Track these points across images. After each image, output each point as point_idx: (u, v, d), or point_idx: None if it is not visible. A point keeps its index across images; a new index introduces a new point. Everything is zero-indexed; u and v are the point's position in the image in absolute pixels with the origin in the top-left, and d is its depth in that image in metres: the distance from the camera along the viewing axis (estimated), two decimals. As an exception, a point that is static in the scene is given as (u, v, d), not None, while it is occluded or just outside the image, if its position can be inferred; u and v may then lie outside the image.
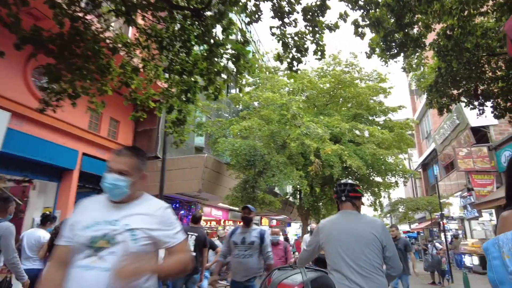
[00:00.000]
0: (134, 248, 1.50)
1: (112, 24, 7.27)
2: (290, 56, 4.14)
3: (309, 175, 11.87)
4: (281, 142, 10.66)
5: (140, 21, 4.92)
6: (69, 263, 1.53)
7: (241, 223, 4.30)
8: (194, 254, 5.62)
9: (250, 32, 19.09)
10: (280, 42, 4.07)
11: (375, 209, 15.65)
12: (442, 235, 16.50)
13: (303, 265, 3.11)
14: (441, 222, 15.98)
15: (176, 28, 4.63)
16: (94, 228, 1.53)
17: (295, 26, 4.01)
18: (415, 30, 5.24)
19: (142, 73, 5.29)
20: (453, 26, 4.85)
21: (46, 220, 5.86)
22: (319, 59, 4.20)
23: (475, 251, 16.04)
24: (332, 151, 10.49)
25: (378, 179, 15.65)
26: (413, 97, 28.81)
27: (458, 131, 16.70)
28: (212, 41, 3.94)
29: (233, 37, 4.43)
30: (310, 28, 4.05)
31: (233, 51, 3.89)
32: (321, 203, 17.22)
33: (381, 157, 12.47)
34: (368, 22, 4.35)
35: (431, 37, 5.49)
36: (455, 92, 6.42)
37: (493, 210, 14.89)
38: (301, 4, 3.97)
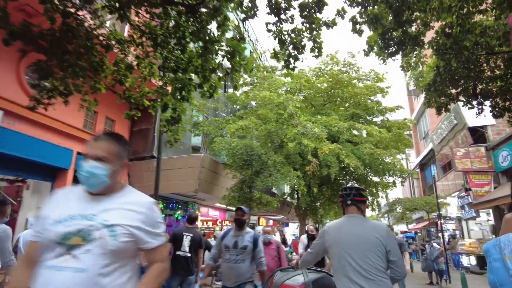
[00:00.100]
0: (112, 246, 1.35)
1: (108, 21, 7.18)
2: (287, 53, 4.06)
3: (306, 175, 11.79)
4: (278, 141, 10.59)
5: (134, 17, 4.83)
6: (38, 262, 1.37)
7: (234, 225, 4.10)
8: (189, 255, 5.53)
9: (248, 31, 19.01)
10: (277, 39, 3.99)
11: (373, 209, 15.61)
12: (440, 235, 16.51)
13: (305, 267, 3.12)
14: (438, 222, 15.98)
15: (170, 25, 4.54)
16: (67, 223, 1.36)
17: (291, 23, 3.94)
18: (413, 28, 5.17)
19: (136, 71, 5.20)
20: (452, 24, 4.79)
21: None
22: (316, 57, 4.12)
23: (473, 251, 16.03)
24: (330, 151, 10.42)
25: (376, 179, 15.61)
26: (410, 97, 28.83)
27: (456, 131, 16.69)
28: (207, 37, 3.85)
29: (229, 34, 4.36)
30: (307, 25, 3.97)
31: (229, 48, 3.80)
32: (318, 203, 17.16)
33: (379, 157, 12.42)
34: (366, 19, 4.28)
35: (429, 35, 5.43)
36: (453, 91, 6.37)
37: (491, 210, 14.88)
38: (297, 0, 3.89)
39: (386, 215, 23.97)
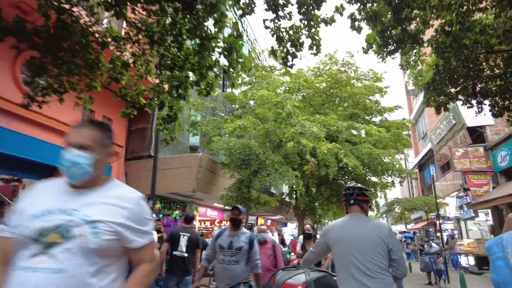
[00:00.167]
0: (94, 244, 1.23)
1: (105, 20, 7.12)
2: (285, 51, 4.00)
3: (305, 175, 11.74)
4: (276, 141, 10.53)
5: (130, 14, 4.77)
6: (12, 261, 1.24)
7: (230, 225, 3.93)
8: (186, 255, 5.48)
9: (246, 31, 18.96)
10: (275, 36, 3.94)
11: (372, 209, 15.59)
12: (439, 235, 16.49)
13: (307, 266, 3.11)
14: (437, 222, 15.95)
15: (167, 22, 4.49)
16: (44, 218, 1.23)
17: (289, 19, 3.88)
18: (412, 26, 5.13)
19: (132, 69, 5.13)
20: (451, 22, 4.74)
21: None
22: (315, 54, 4.07)
23: (471, 251, 16.02)
24: (328, 150, 10.37)
25: (374, 179, 15.59)
26: (409, 97, 28.84)
27: (455, 131, 16.67)
28: (203, 34, 3.80)
29: (227, 32, 4.31)
30: (305, 22, 3.92)
31: (225, 45, 3.75)
32: (317, 203, 17.12)
33: (378, 156, 12.38)
34: (365, 16, 4.22)
35: (429, 33, 5.39)
36: (452, 90, 6.33)
37: (489, 210, 14.87)
38: (296, -4, 3.84)
39: (384, 215, 23.93)
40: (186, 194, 11.10)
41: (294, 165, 11.03)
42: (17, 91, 7.24)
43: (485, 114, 6.43)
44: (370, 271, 2.26)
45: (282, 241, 15.81)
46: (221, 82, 15.87)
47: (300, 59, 4.07)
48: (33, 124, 7.50)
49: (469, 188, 14.52)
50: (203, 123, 10.94)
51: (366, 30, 5.86)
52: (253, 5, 3.85)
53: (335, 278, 3.03)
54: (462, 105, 6.38)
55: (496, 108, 6.12)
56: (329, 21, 3.90)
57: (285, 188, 19.98)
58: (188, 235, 5.56)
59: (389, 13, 4.33)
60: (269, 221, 22.59)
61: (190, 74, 4.32)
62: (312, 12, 3.83)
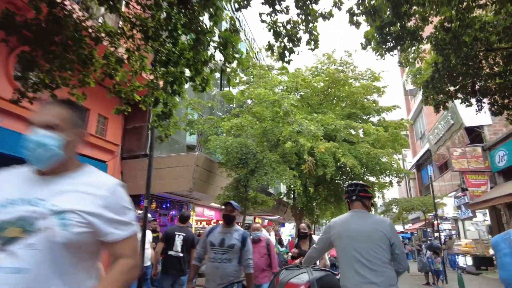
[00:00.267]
0: (63, 238, 1.07)
1: (100, 16, 7.01)
2: (282, 46, 3.92)
3: (302, 175, 11.67)
4: (274, 140, 10.45)
5: (124, 9, 4.68)
6: None
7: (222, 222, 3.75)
8: (181, 255, 5.38)
9: (244, 30, 18.88)
10: (271, 31, 3.85)
11: (369, 210, 15.53)
12: (436, 235, 16.46)
13: (310, 264, 3.14)
14: (435, 222, 15.91)
15: (162, 17, 4.39)
16: (4, 210, 1.07)
17: (286, 13, 3.79)
18: (411, 23, 5.05)
19: (126, 65, 5.03)
20: (451, 18, 4.68)
21: None
22: (313, 50, 3.99)
23: (469, 251, 16.01)
24: (326, 149, 10.30)
25: (372, 179, 15.54)
26: (407, 97, 28.85)
27: (453, 131, 16.66)
28: (199, 28, 3.71)
29: (223, 27, 4.22)
30: (303, 17, 3.84)
31: (221, 40, 3.66)
32: (315, 203, 17.06)
33: (376, 156, 12.32)
34: (363, 11, 4.14)
35: (428, 30, 5.32)
36: (451, 88, 6.26)
37: (487, 211, 14.85)
38: (293, -10, 3.75)
39: (382, 215, 23.90)
40: (182, 194, 10.99)
41: (292, 164, 10.96)
42: (9, 88, 7.11)
43: (485, 112, 6.37)
44: (373, 265, 2.30)
45: (280, 241, 15.73)
46: (218, 81, 15.79)
47: (298, 54, 3.99)
48: (27, 122, 7.37)
49: (467, 188, 14.50)
50: (200, 122, 10.83)
51: (365, 26, 5.83)
52: (249, -1, 3.75)
53: (337, 277, 3.11)
54: (461, 103, 6.32)
55: (495, 107, 6.06)
56: (327, 16, 3.81)
57: (283, 188, 19.90)
58: (184, 234, 5.47)
59: (388, 8, 4.26)
60: (266, 221, 22.50)
61: (185, 69, 4.22)
62: (310, 6, 3.75)
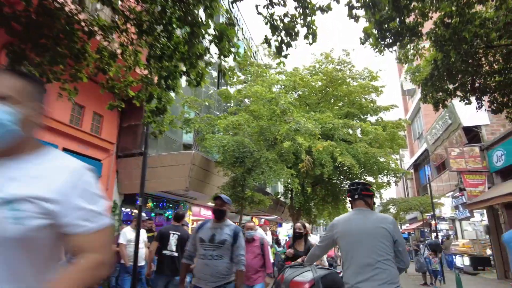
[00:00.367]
0: (14, 233, 0.89)
1: (94, 8, 6.87)
2: (279, 39, 3.82)
3: (300, 174, 11.58)
4: (271, 139, 10.35)
5: (118, 2, 4.56)
6: None
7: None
8: (176, 254, 5.27)
9: (242, 29, 18.78)
10: (268, 24, 3.76)
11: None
12: (434, 235, 16.43)
13: (312, 262, 3.17)
14: (432, 222, 15.88)
15: (156, 10, 4.28)
16: None
17: (284, 6, 3.70)
18: (411, 19, 4.97)
19: (120, 60, 4.92)
20: (451, 13, 4.60)
21: None
22: (310, 44, 3.89)
23: (466, 251, 15.99)
24: (324, 148, 10.22)
25: (370, 178, 15.49)
26: (405, 97, 28.86)
27: (450, 131, 16.63)
28: (194, 21, 3.60)
29: (219, 21, 4.12)
30: (301, 10, 3.74)
31: (216, 32, 3.56)
32: (312, 203, 16.99)
33: (373, 155, 12.26)
34: (362, 4, 4.05)
35: (428, 26, 5.24)
36: (451, 86, 6.19)
37: (485, 211, 14.82)
38: (290, -17, 3.66)
39: (380, 215, 23.85)
40: (179, 193, 10.88)
41: (289, 163, 10.86)
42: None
43: (485, 110, 6.30)
44: (377, 263, 2.31)
45: (277, 241, 15.64)
46: (216, 80, 15.68)
47: (295, 48, 3.90)
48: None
49: (465, 188, 14.45)
50: (196, 120, 10.72)
51: (364, 21, 5.74)
52: (245, -10, 3.65)
53: (340, 275, 3.18)
54: (460, 101, 6.24)
55: (495, 104, 5.99)
56: (325, 9, 3.72)
57: (280, 188, 19.82)
58: (178, 233, 5.35)
59: (388, 1, 4.16)
60: (262, 220, 22.40)
61: (180, 64, 4.12)
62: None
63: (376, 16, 4.26)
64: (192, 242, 3.45)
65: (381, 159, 13.09)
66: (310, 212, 16.99)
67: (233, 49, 3.89)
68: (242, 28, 18.77)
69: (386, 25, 4.87)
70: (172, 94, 4.99)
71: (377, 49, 5.23)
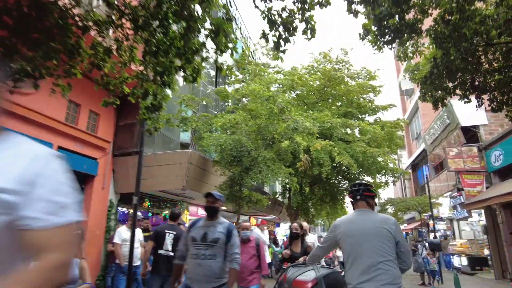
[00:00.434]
0: None
1: (94, 8, 6.78)
2: (277, 34, 3.74)
3: (298, 174, 11.51)
4: (269, 138, 10.27)
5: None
6: None
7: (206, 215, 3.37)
8: (172, 254, 5.17)
9: (241, 28, 18.69)
10: (266, 19, 3.68)
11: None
12: (431, 235, 16.41)
13: (314, 262, 3.25)
14: (430, 222, 15.85)
15: (152, 5, 4.20)
16: None
17: (282, 0, 3.63)
18: (410, 15, 4.91)
19: (116, 56, 4.83)
20: (451, 9, 4.54)
21: None
22: (309, 39, 3.82)
23: (464, 251, 15.98)
24: (322, 147, 10.15)
25: (368, 178, 15.47)
26: (403, 97, 28.87)
27: (449, 131, 16.62)
28: (190, 15, 3.52)
29: (216, 16, 4.05)
30: (299, 5, 3.67)
31: (213, 27, 3.47)
32: (310, 203, 16.94)
33: (372, 155, 12.21)
34: (362, -2, 4.00)
35: (427, 23, 5.18)
36: (450, 84, 6.13)
37: (482, 211, 14.81)
38: (289, -23, 3.59)
39: (378, 215, 23.83)
40: (176, 192, 10.77)
41: (286, 163, 10.79)
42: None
43: (485, 108, 6.24)
44: (379, 264, 2.31)
45: (275, 241, 15.57)
46: (214, 79, 15.59)
47: (294, 43, 3.82)
48: (13, 116, 7.12)
49: (463, 188, 14.44)
50: (193, 119, 10.62)
51: (363, 18, 5.67)
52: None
53: (342, 274, 3.19)
54: (459, 99, 6.19)
55: (494, 103, 5.94)
56: (324, 4, 3.65)
57: (278, 188, 19.75)
58: (174, 233, 5.27)
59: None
60: (259, 220, 22.32)
61: (175, 60, 4.03)
62: (306, -7, 3.59)
63: (376, 11, 4.19)
64: (184, 242, 3.32)
65: (379, 159, 13.06)
66: (308, 212, 16.93)
67: (230, 45, 3.81)
68: (240, 28, 18.68)
69: (385, 22, 4.81)
70: (169, 92, 4.91)
71: (376, 46, 5.17)
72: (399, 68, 28.59)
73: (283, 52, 3.81)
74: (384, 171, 13.76)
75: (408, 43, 5.50)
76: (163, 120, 4.90)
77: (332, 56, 15.45)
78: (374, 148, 12.56)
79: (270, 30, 3.73)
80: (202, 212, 14.86)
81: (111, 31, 4.67)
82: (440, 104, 6.37)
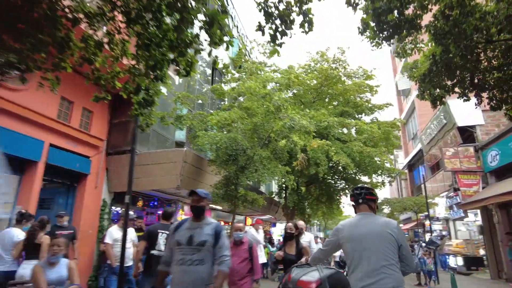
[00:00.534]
0: None
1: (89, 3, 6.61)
2: (274, 27, 3.63)
3: (294, 172, 11.40)
4: (265, 136, 10.15)
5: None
6: None
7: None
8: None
9: (237, 27, 18.57)
10: (262, 11, 3.57)
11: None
12: (428, 235, 16.39)
13: (316, 264, 3.23)
14: (426, 222, 15.83)
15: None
16: None
17: (279, -9, 3.52)
18: (410, 11, 4.82)
19: (107, 50, 4.68)
20: (452, 4, 4.45)
21: (22, 218, 5.37)
22: (306, 33, 3.71)
23: (460, 251, 15.99)
24: (319, 146, 10.05)
25: (365, 178, 15.42)
26: (399, 97, 28.91)
27: (445, 131, 16.62)
28: (184, 6, 3.39)
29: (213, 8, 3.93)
30: (296, -3, 3.55)
31: (207, 18, 3.35)
32: (306, 203, 16.86)
33: (368, 155, 12.14)
34: (361, -9, 3.90)
35: (427, 19, 5.09)
36: (449, 82, 6.05)
37: (479, 211, 14.82)
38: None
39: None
40: (170, 192, 10.62)
41: (282, 161, 10.68)
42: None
43: (485, 106, 6.17)
44: (382, 267, 2.31)
45: (270, 240, 15.48)
46: (210, 78, 15.44)
47: (290, 37, 3.70)
48: (3, 113, 6.95)
49: (459, 188, 14.44)
50: (188, 117, 10.47)
51: (361, 13, 5.59)
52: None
53: (345, 274, 3.14)
54: (458, 97, 6.11)
55: (494, 101, 5.87)
56: (322, -4, 3.55)
57: (274, 187, 19.65)
58: (167, 232, 5.13)
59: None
60: (255, 219, 22.23)
61: (168, 52, 3.90)
62: (304, -15, 3.48)
63: (376, 4, 4.09)
64: (169, 246, 3.01)
65: (376, 159, 13.00)
66: (304, 212, 16.87)
67: (225, 38, 3.69)
68: (237, 26, 18.56)
69: (384, 17, 4.71)
70: (164, 90, 4.78)
71: (374, 43, 5.07)
72: (396, 68, 28.61)
73: (280, 45, 3.70)
74: (380, 171, 13.71)
75: (407, 39, 5.41)
76: (156, 117, 4.75)
77: (329, 56, 15.39)
78: (370, 148, 12.50)
79: (267, 23, 3.61)
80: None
81: (103, 25, 4.51)
82: (438, 102, 6.29)
